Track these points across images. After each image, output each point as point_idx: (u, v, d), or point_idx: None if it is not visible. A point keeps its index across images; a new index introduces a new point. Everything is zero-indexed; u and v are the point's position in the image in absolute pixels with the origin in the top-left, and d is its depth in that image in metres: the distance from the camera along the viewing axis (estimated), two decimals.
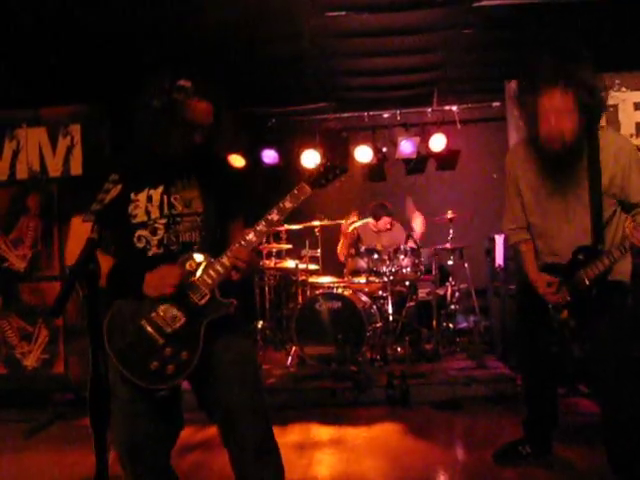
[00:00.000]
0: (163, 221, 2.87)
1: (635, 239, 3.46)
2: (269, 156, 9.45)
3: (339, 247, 8.18)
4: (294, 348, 7.05)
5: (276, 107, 9.09)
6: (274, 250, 7.98)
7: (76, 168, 6.66)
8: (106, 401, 2.00)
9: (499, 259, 7.48)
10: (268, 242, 7.86)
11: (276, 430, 2.97)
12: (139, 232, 2.87)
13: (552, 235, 3.85)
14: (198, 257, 2.84)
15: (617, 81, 6.01)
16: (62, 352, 6.62)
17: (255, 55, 6.93)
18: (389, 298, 7.32)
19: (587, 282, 3.64)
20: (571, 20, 6.10)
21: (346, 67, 7.72)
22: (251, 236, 2.81)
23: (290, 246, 8.11)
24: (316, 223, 7.54)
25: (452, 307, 8.10)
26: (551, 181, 3.75)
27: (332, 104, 8.99)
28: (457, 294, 8.19)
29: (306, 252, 7.70)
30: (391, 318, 7.26)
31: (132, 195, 2.87)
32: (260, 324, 7.99)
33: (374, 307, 7.29)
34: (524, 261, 4.00)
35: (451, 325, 7.99)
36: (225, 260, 2.78)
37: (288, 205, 2.85)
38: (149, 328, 2.77)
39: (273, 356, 7.71)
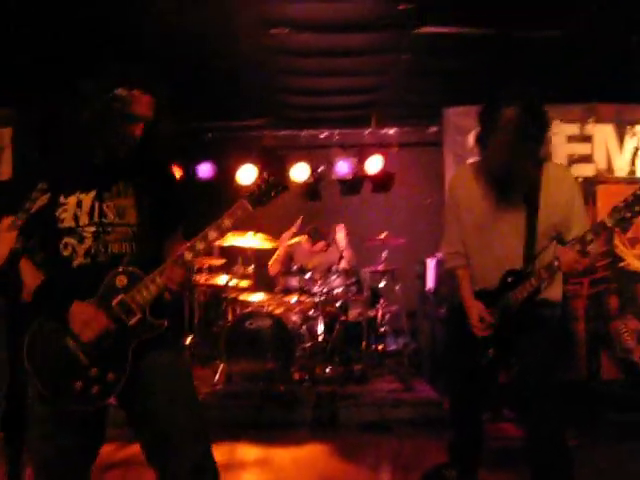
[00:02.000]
0: (92, 229, 2.68)
1: (561, 262, 3.43)
2: (205, 170, 9.34)
3: (271, 260, 8.16)
4: (222, 365, 6.97)
5: (214, 121, 9.03)
6: (205, 265, 7.88)
7: (6, 172, 6.52)
8: (22, 419, 1.91)
9: (430, 283, 7.54)
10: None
11: None
12: (66, 239, 2.66)
13: (486, 260, 3.81)
14: (131, 273, 2.67)
15: (551, 113, 6.12)
16: None
17: (195, 68, 6.87)
18: (319, 318, 7.29)
19: (516, 304, 3.63)
20: (508, 52, 6.22)
21: (286, 85, 7.71)
22: (187, 255, 2.68)
23: (223, 261, 8.03)
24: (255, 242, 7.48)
25: (382, 329, 8.11)
26: (491, 207, 3.70)
27: (270, 121, 8.96)
28: (387, 316, 8.21)
29: (238, 268, 7.63)
30: (321, 338, 7.23)
31: (61, 198, 2.67)
32: (189, 340, 7.87)
33: (304, 327, 7.25)
34: (460, 287, 3.95)
35: (380, 347, 8.00)
36: (159, 279, 2.64)
37: (227, 223, 2.71)
38: (73, 347, 2.60)
39: (200, 373, 7.59)
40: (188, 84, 7.26)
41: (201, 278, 7.74)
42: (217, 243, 7.54)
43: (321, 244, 8.28)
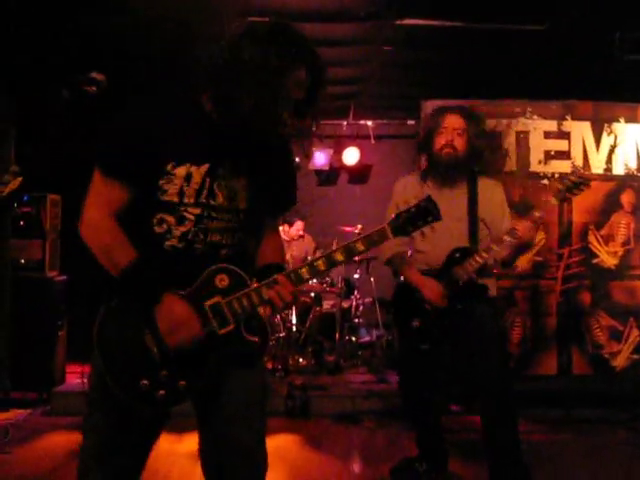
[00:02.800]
0: (196, 211, 2.29)
1: (518, 229, 3.85)
2: None
3: None
4: None
5: None
6: None
7: None
8: None
9: None
10: None
11: (172, 438, 2.87)
12: (162, 214, 2.29)
13: (432, 249, 4.11)
14: (234, 274, 2.30)
15: (529, 109, 6.15)
16: None
17: (175, 56, 6.81)
18: (293, 308, 7.28)
19: (464, 277, 3.95)
20: (490, 46, 6.23)
21: None
22: (305, 273, 2.33)
23: None
24: None
25: (356, 320, 8.13)
26: (436, 196, 4.01)
27: None
28: (361, 307, 8.23)
29: None
30: (294, 328, 7.24)
31: (169, 166, 2.26)
32: None
33: (278, 317, 7.23)
34: (405, 269, 4.20)
35: (354, 338, 8.02)
36: (265, 292, 2.27)
37: (360, 247, 2.33)
38: (150, 341, 2.26)
39: None
40: (167, 72, 7.22)
41: None
42: None
43: (298, 226, 8.26)
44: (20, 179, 2.09)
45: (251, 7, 5.83)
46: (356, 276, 8.11)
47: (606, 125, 6.28)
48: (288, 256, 7.45)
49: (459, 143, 4.05)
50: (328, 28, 6.24)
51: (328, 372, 7.17)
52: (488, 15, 5.73)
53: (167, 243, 2.29)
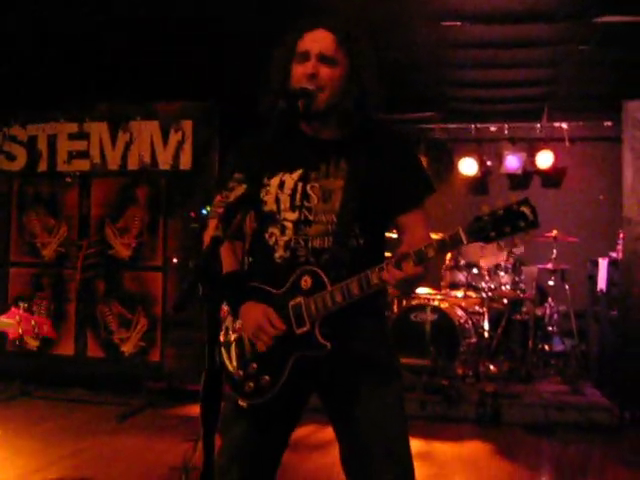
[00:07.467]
0: (293, 217, 2.35)
1: None
2: None
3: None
4: None
5: (382, 113, 9.07)
6: None
7: (185, 163, 6.89)
8: (217, 397, 1.98)
9: (601, 283, 7.27)
10: None
11: None
12: (271, 228, 2.40)
13: None
14: (315, 274, 2.28)
15: None
16: (159, 341, 6.80)
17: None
18: (485, 314, 7.20)
19: None
20: None
21: (457, 77, 7.65)
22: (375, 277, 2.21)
23: (389, 254, 8.06)
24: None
25: (549, 328, 7.91)
26: None
27: (439, 114, 8.92)
28: (555, 316, 7.99)
29: None
30: (486, 335, 7.15)
31: (265, 179, 2.41)
32: None
33: (470, 322, 7.18)
34: None
35: (547, 347, 7.80)
36: (337, 292, 2.21)
37: (431, 253, 2.10)
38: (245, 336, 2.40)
39: None
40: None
41: None
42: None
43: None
44: (245, 186, 2.13)
45: (444, 11, 5.84)
46: (550, 283, 7.88)
47: None
48: (482, 261, 7.37)
49: None
50: (521, 29, 6.14)
51: (519, 380, 7.01)
52: None
53: (276, 255, 2.39)
